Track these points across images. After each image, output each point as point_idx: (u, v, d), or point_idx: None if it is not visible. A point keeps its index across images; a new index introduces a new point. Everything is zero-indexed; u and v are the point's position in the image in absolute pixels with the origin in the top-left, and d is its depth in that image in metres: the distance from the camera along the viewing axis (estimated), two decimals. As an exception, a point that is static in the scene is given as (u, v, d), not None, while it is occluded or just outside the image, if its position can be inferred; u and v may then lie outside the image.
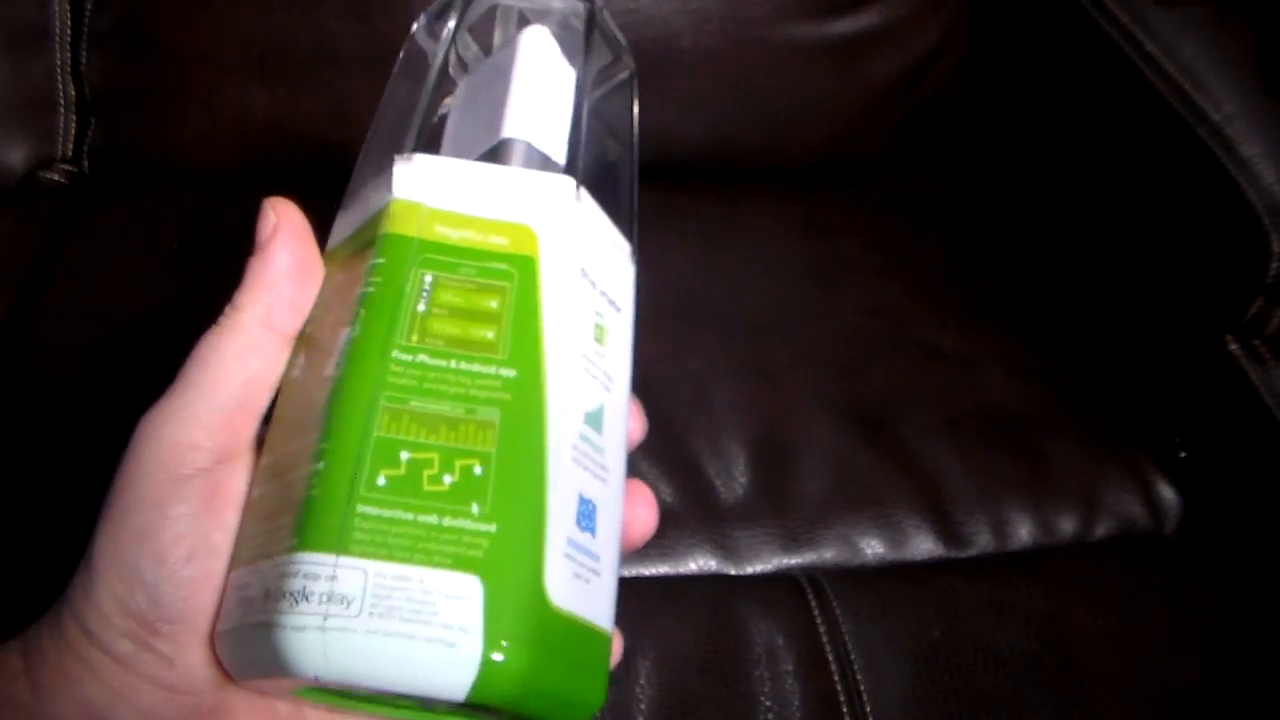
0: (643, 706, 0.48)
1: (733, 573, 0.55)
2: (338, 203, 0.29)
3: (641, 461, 0.57)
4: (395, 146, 0.27)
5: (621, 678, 0.49)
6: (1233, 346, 0.60)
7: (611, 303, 0.27)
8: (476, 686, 0.21)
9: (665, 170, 0.75)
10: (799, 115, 0.76)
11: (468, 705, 0.22)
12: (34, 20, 0.69)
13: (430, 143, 0.28)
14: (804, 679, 0.50)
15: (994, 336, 0.67)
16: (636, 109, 0.33)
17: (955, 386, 0.63)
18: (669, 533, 0.55)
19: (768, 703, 0.49)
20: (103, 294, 0.62)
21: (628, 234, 0.29)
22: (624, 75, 0.34)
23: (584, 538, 0.24)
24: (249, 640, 0.22)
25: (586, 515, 0.24)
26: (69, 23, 0.69)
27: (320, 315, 0.25)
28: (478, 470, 0.22)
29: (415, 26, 0.32)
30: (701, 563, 0.55)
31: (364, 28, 0.68)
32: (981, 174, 0.80)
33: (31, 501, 0.51)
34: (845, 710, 0.49)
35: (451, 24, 0.31)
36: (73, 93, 0.70)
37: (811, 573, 0.55)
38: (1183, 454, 0.61)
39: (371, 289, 0.24)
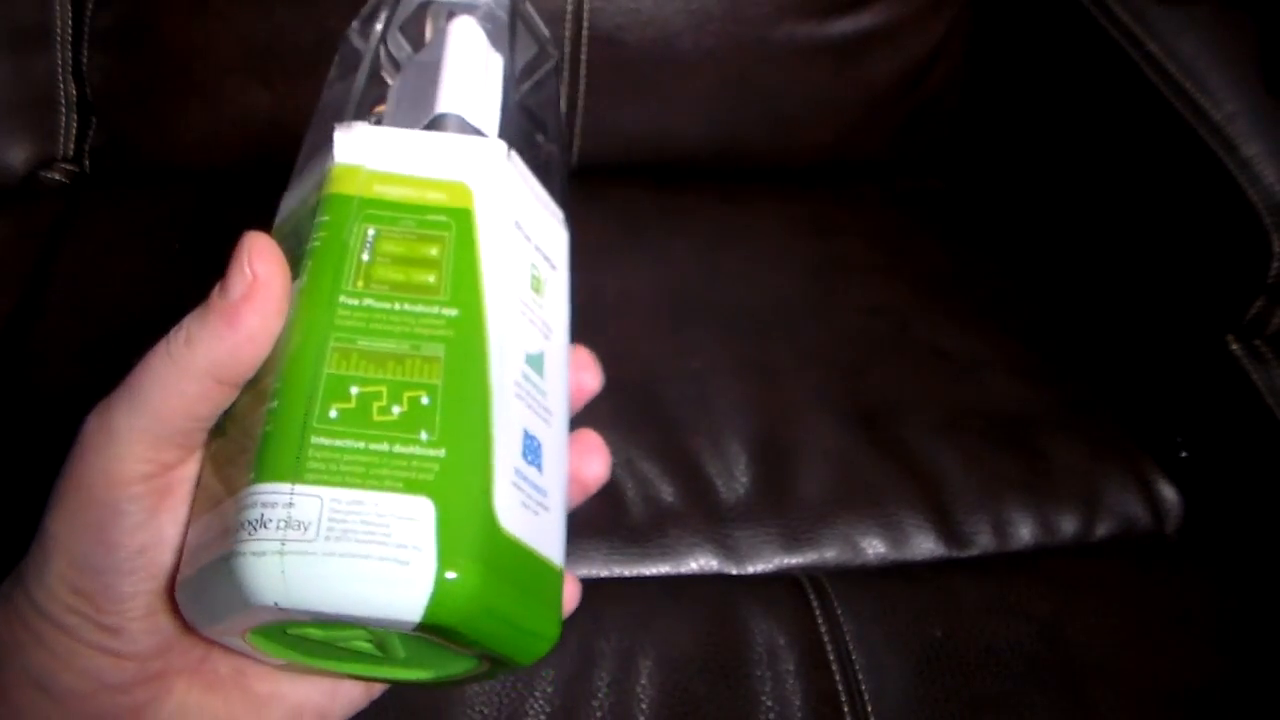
0: (644, 706, 0.48)
1: (734, 572, 0.55)
2: None
3: (642, 461, 0.57)
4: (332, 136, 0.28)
5: (622, 677, 0.49)
6: (1234, 346, 0.60)
7: (547, 259, 0.28)
8: (431, 605, 0.21)
9: (666, 170, 0.75)
10: (800, 115, 0.76)
11: (423, 631, 0.22)
12: (35, 20, 0.69)
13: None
14: (805, 679, 0.50)
15: (995, 336, 0.67)
16: (564, 100, 0.34)
17: (957, 386, 0.63)
18: (670, 532, 0.55)
19: (769, 703, 0.49)
20: (103, 294, 0.62)
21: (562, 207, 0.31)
22: (548, 66, 0.35)
23: (530, 471, 0.25)
24: (209, 580, 0.23)
25: (532, 450, 0.25)
26: (70, 22, 0.69)
27: None
28: (425, 401, 0.23)
29: (349, 30, 0.33)
30: (702, 562, 0.55)
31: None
32: (983, 174, 0.80)
33: (32, 502, 0.51)
34: (847, 710, 0.49)
35: (380, 23, 0.32)
36: (74, 92, 0.70)
37: (813, 572, 0.55)
38: (1184, 454, 0.61)
39: (317, 243, 0.25)
